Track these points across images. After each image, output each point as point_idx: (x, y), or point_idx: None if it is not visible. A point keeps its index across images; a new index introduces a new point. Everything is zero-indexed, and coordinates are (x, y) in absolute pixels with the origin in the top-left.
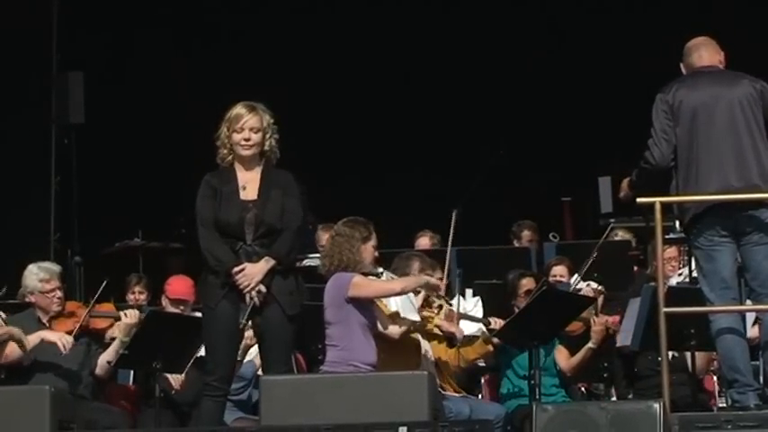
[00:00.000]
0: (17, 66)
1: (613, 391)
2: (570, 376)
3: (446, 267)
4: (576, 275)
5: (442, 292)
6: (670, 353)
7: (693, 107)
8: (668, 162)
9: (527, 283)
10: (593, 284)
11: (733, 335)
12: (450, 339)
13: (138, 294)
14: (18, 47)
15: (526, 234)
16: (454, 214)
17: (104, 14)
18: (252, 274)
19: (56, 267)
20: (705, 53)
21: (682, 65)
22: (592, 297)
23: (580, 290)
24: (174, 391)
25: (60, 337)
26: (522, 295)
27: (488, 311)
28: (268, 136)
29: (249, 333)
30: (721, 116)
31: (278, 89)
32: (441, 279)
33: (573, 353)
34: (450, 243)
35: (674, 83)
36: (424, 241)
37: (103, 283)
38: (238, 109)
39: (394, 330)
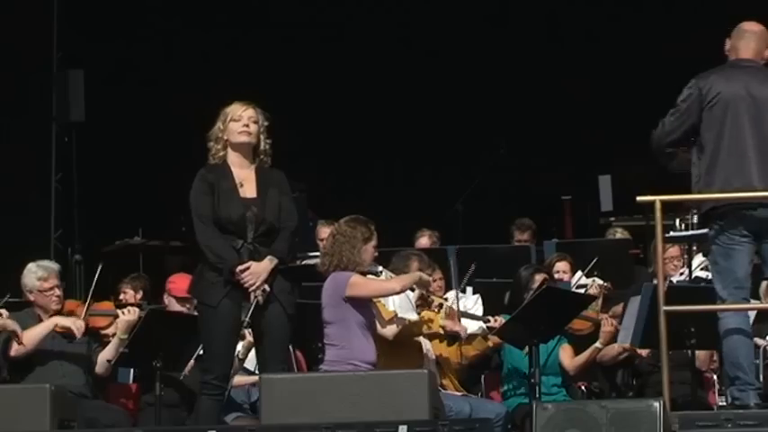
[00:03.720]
0: (18, 64)
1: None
2: (572, 375)
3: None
4: (579, 273)
5: (433, 288)
6: None
7: (725, 100)
8: (664, 147)
9: (540, 279)
10: (599, 281)
11: (739, 334)
12: (453, 337)
13: (129, 294)
14: (18, 45)
15: (525, 234)
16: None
17: (105, 13)
18: (258, 272)
19: (54, 266)
20: (753, 45)
21: (728, 41)
22: (592, 295)
23: (585, 286)
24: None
25: (74, 322)
26: (532, 290)
27: (488, 310)
28: (263, 137)
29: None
30: (750, 113)
31: (280, 87)
32: (437, 279)
33: (578, 352)
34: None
35: (711, 72)
36: (423, 241)
37: (99, 267)
38: (235, 104)
39: (389, 331)
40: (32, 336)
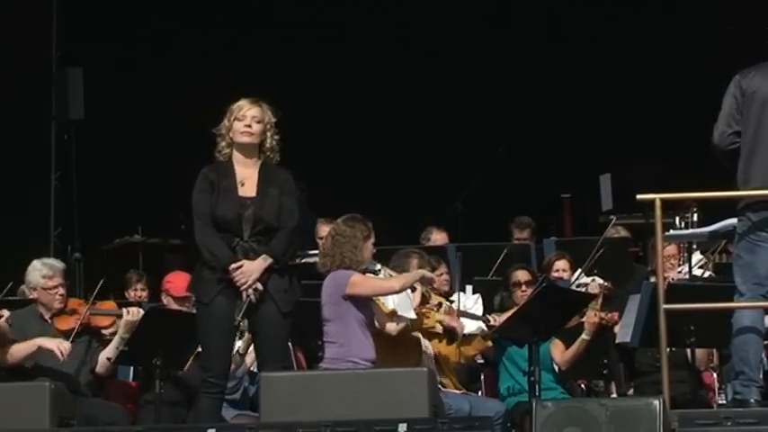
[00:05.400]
0: (18, 63)
1: (613, 387)
2: (565, 370)
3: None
4: (578, 271)
5: (438, 283)
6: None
7: (764, 97)
8: (725, 146)
9: (519, 275)
10: (599, 280)
11: (751, 332)
12: (451, 335)
13: (140, 291)
14: (18, 44)
15: (524, 232)
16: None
17: (104, 13)
18: (250, 271)
19: (59, 264)
20: None
21: None
22: (592, 294)
23: (585, 285)
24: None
25: (58, 345)
26: (512, 287)
27: (488, 309)
28: (270, 133)
29: None
30: None
31: (280, 87)
32: (443, 273)
33: (569, 346)
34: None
35: (753, 68)
36: (439, 236)
37: (100, 282)
38: (241, 101)
39: (391, 327)
40: (16, 352)
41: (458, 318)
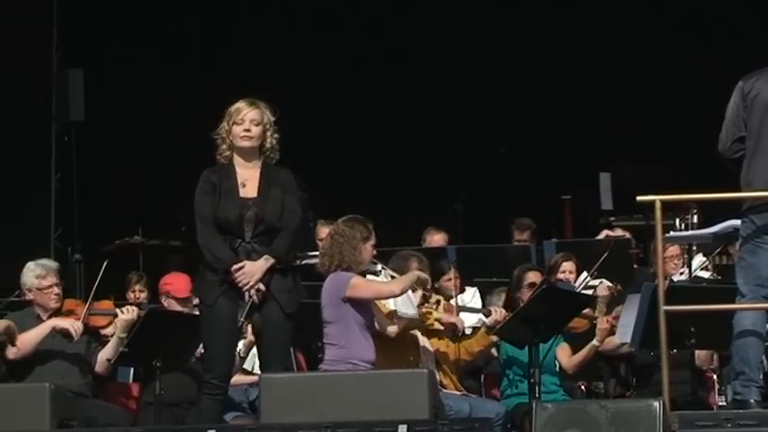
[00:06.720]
0: (18, 63)
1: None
2: (570, 374)
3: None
4: (584, 273)
5: (449, 286)
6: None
7: (765, 101)
8: (731, 153)
9: (531, 277)
10: (606, 282)
11: (752, 333)
12: (453, 334)
13: (138, 293)
14: (19, 45)
15: (524, 234)
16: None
17: (104, 12)
18: (251, 272)
19: (53, 264)
20: None
21: None
22: (592, 295)
23: (593, 287)
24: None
25: (72, 324)
26: (524, 288)
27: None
28: (269, 133)
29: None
30: None
31: (281, 86)
32: (452, 278)
33: (576, 351)
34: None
35: (755, 72)
36: (438, 237)
37: (104, 265)
38: (239, 103)
39: (392, 329)
40: (29, 338)
41: (457, 314)
